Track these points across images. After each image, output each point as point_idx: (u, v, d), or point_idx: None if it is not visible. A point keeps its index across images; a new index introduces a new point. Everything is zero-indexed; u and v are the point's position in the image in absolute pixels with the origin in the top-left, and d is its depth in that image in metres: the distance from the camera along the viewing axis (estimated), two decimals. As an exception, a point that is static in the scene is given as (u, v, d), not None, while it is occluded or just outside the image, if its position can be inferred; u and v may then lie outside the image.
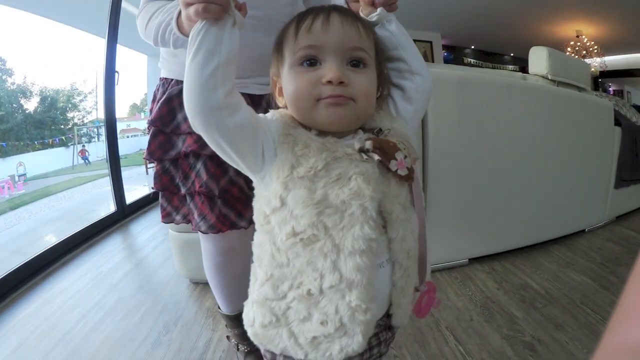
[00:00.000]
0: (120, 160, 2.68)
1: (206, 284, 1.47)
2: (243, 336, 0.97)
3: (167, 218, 0.88)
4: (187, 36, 0.47)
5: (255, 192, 0.51)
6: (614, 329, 0.26)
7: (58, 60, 5.65)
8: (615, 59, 6.26)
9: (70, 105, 5.92)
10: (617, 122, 2.40)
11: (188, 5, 0.44)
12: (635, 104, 6.28)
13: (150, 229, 2.37)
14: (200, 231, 0.81)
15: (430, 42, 6.13)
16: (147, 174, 5.46)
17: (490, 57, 7.65)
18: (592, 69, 5.81)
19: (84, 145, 6.09)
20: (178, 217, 0.87)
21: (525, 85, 1.83)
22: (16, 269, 1.62)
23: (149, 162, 0.87)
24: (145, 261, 1.84)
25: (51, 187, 5.23)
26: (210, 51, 0.43)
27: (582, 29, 5.28)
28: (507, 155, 1.70)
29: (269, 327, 0.48)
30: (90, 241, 2.10)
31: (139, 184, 4.82)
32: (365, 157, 0.46)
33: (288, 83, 0.49)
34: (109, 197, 2.60)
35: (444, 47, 6.74)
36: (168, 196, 0.86)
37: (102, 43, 2.49)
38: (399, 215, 0.48)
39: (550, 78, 2.15)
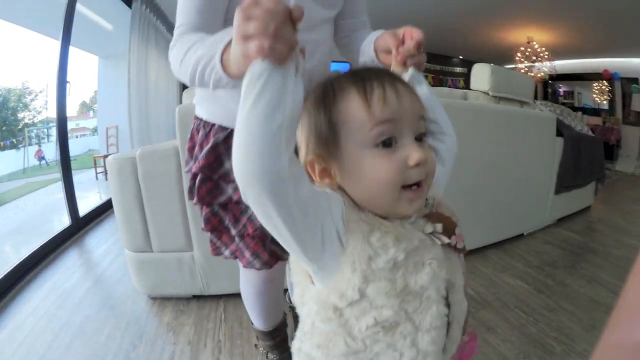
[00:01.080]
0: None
1: (163, 298, 1.65)
2: (273, 347, 1.14)
3: (216, 251, 0.93)
4: (233, 78, 0.47)
5: (299, 279, 0.50)
6: (612, 329, 0.28)
7: (7, 59, 5.48)
8: (565, 63, 6.80)
9: (21, 105, 5.84)
10: (560, 133, 2.68)
11: (247, 39, 0.38)
12: (586, 104, 6.87)
13: (104, 242, 2.49)
14: (255, 268, 0.88)
15: None
16: (97, 179, 5.50)
17: (438, 59, 8.04)
18: (542, 74, 6.29)
19: (40, 146, 6.01)
20: (227, 253, 0.92)
21: (466, 105, 2.09)
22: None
23: (198, 206, 0.88)
24: (104, 277, 1.96)
25: (5, 194, 5.16)
26: (275, 100, 0.37)
27: (533, 36, 5.68)
28: (459, 170, 1.95)
29: None
30: (49, 257, 2.18)
31: (89, 190, 4.84)
32: (436, 240, 0.47)
33: (363, 169, 0.45)
34: (62, 206, 2.68)
35: None
36: (217, 233, 0.91)
37: (49, 42, 2.57)
38: (459, 283, 0.50)
39: (490, 94, 2.35)
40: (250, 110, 0.36)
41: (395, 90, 0.45)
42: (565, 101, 7.49)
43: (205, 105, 0.85)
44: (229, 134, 0.80)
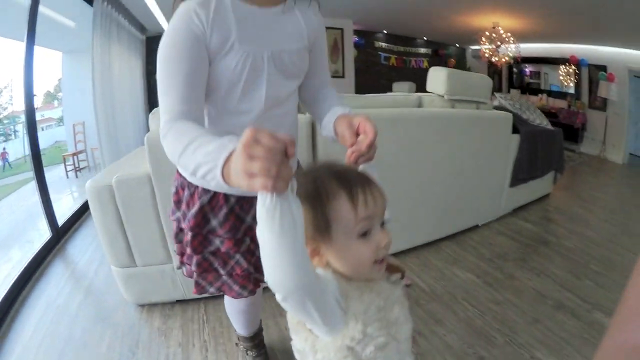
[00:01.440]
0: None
1: (150, 305, 1.84)
2: (252, 346, 1.44)
3: (200, 290, 1.06)
4: (232, 185, 0.55)
5: (305, 335, 0.64)
6: (614, 330, 0.29)
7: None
8: (532, 47, 7.01)
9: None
10: (517, 130, 2.89)
11: (252, 176, 0.46)
12: (552, 85, 7.15)
13: (85, 251, 2.60)
14: (243, 297, 1.05)
15: (342, 30, 6.58)
16: (67, 177, 5.50)
17: (402, 40, 8.19)
18: (507, 58, 6.52)
19: (4, 148, 5.93)
20: (212, 290, 1.06)
21: (420, 114, 2.28)
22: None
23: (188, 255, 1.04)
24: (92, 288, 2.09)
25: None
26: (291, 223, 0.48)
27: (499, 21, 5.83)
28: (404, 168, 2.14)
29: None
30: (37, 273, 2.27)
31: (62, 191, 4.86)
32: (397, 285, 0.69)
33: (350, 253, 0.61)
34: (38, 212, 2.73)
35: (355, 32, 7.18)
36: (204, 275, 1.04)
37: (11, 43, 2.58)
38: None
39: (446, 98, 2.45)
40: (278, 239, 0.48)
41: (372, 194, 0.61)
42: (531, 81, 7.74)
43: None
44: (212, 197, 0.95)
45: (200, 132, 0.68)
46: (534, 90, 7.67)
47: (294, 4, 0.91)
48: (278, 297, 0.52)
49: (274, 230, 0.48)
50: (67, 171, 5.45)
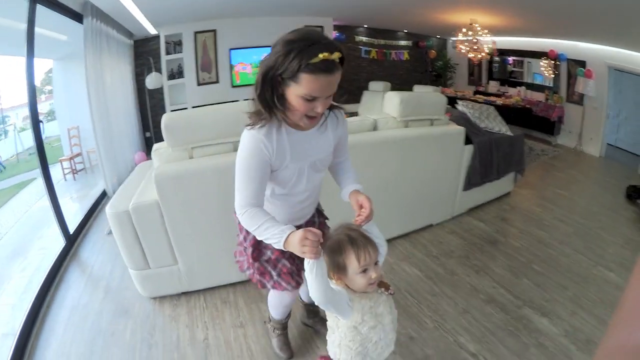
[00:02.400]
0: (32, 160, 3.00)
1: (161, 297, 2.44)
2: (279, 327, 2.01)
3: (262, 286, 1.63)
4: (288, 250, 1.17)
5: (333, 318, 1.31)
6: (613, 331, 0.32)
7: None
8: (512, 40, 7.54)
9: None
10: (470, 140, 3.40)
11: (303, 253, 1.09)
12: (535, 74, 7.59)
13: (97, 255, 3.05)
14: (288, 290, 1.62)
15: (322, 27, 7.02)
16: (65, 179, 5.84)
17: (382, 33, 8.67)
18: (485, 52, 7.05)
19: None
20: (269, 285, 1.62)
21: (375, 137, 2.80)
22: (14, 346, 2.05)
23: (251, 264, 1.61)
24: (110, 287, 2.61)
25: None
26: (322, 274, 1.11)
27: (476, 18, 6.28)
28: (364, 179, 2.69)
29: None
30: (56, 280, 2.67)
31: (62, 196, 5.03)
32: (384, 293, 1.30)
33: (355, 281, 1.21)
34: (45, 218, 3.12)
35: (336, 27, 7.67)
36: (263, 276, 1.60)
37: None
38: (392, 305, 1.35)
39: (398, 119, 2.95)
40: (316, 281, 1.11)
41: (369, 253, 1.19)
42: (514, 69, 8.21)
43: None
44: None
45: (267, 217, 1.27)
46: (514, 83, 8.14)
47: (326, 126, 1.41)
48: (317, 303, 1.16)
49: (313, 275, 1.11)
50: (64, 174, 5.86)
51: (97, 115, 4.28)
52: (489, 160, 3.59)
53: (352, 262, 1.20)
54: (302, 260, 1.53)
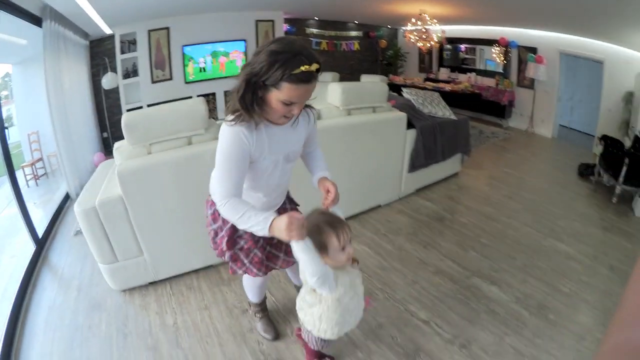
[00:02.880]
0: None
1: (130, 289, 2.62)
2: (260, 310, 2.24)
3: (233, 272, 1.78)
4: (273, 236, 1.30)
5: (315, 294, 1.52)
6: (615, 331, 0.33)
7: None
8: (463, 28, 7.94)
9: None
10: (413, 125, 3.67)
11: (290, 237, 1.25)
12: (488, 61, 8.02)
13: (66, 255, 3.16)
14: (259, 277, 1.81)
15: (272, 21, 7.33)
16: (28, 186, 5.65)
17: (333, 25, 9.02)
18: (434, 41, 7.42)
19: None
20: (240, 272, 1.78)
21: (320, 126, 3.02)
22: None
23: (226, 254, 1.75)
24: (82, 285, 2.72)
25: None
26: (313, 253, 1.32)
27: (426, 8, 6.60)
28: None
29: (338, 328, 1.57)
30: (30, 285, 2.73)
31: (27, 202, 5.15)
32: (356, 267, 1.60)
33: (335, 259, 1.40)
34: (11, 225, 3.15)
35: (287, 20, 7.92)
36: (235, 263, 1.76)
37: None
38: (359, 274, 1.62)
39: (341, 109, 3.24)
40: (310, 259, 1.32)
41: (345, 233, 1.41)
42: (466, 56, 8.65)
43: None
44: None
45: (248, 206, 1.40)
46: (467, 70, 8.58)
47: (299, 122, 1.57)
48: (313, 279, 1.35)
49: (306, 255, 1.31)
50: (27, 180, 5.76)
51: (58, 118, 4.34)
52: (432, 143, 3.88)
53: (333, 242, 1.40)
54: (273, 248, 1.82)
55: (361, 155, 3.36)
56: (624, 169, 3.98)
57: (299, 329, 1.98)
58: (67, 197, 4.54)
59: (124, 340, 2.23)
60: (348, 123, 3.21)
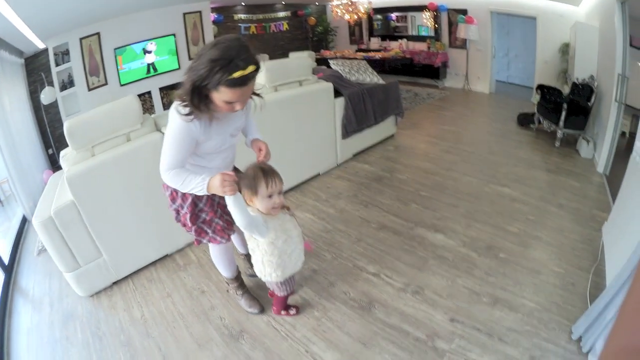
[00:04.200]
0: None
1: (97, 293, 2.70)
2: (238, 286, 2.38)
3: (199, 243, 2.01)
4: (210, 193, 1.58)
5: (254, 241, 1.82)
6: (617, 333, 0.40)
7: None
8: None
9: None
10: (341, 94, 3.84)
11: (224, 192, 1.52)
12: (420, 26, 8.27)
13: (33, 275, 3.14)
14: (223, 243, 2.05)
15: (200, 12, 7.34)
16: None
17: (260, 8, 9.17)
18: (362, 11, 7.65)
19: None
20: (204, 241, 2.00)
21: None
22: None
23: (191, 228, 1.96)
24: (52, 301, 2.73)
25: None
26: (242, 206, 1.59)
27: None
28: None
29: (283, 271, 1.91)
30: (7, 310, 2.72)
31: None
32: (287, 213, 1.85)
33: (263, 204, 1.68)
34: None
35: (214, 9, 7.95)
36: (200, 234, 1.98)
37: None
38: (293, 221, 1.91)
39: (267, 86, 3.41)
40: (238, 211, 1.58)
41: (275, 183, 1.68)
42: (398, 24, 8.91)
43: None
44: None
45: (188, 173, 1.64)
46: (399, 37, 8.83)
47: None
48: (242, 228, 1.65)
49: (236, 208, 1.57)
50: None
51: (4, 143, 4.30)
52: (362, 109, 4.07)
53: (262, 188, 1.66)
54: (230, 217, 2.02)
55: (293, 128, 3.53)
56: (563, 113, 4.31)
57: (269, 290, 2.31)
58: (24, 220, 4.54)
59: (100, 343, 2.31)
60: (276, 99, 3.37)
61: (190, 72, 1.46)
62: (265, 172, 1.69)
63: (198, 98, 1.49)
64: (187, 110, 1.53)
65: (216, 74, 1.38)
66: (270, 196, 1.70)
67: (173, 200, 1.92)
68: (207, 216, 1.95)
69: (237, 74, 1.38)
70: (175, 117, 1.56)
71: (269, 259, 1.82)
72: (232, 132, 1.80)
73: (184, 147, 1.64)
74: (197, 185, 1.61)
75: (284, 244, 1.80)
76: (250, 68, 1.41)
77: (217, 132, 1.70)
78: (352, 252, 2.75)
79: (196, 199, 1.90)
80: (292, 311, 2.30)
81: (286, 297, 2.20)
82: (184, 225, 1.99)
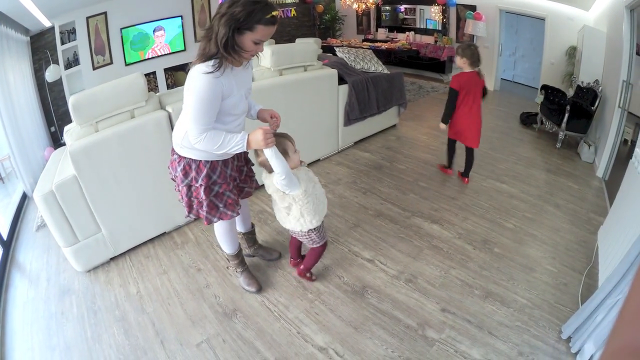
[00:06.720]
0: None
1: (94, 268, 2.73)
2: (238, 264, 2.40)
3: (209, 222, 2.02)
4: (251, 148, 1.75)
5: (279, 194, 1.96)
6: (618, 332, 0.33)
7: None
8: None
9: None
10: (345, 81, 3.83)
11: (266, 145, 1.71)
12: (428, 20, 8.20)
13: (31, 250, 3.14)
14: (233, 217, 2.06)
15: None
16: None
17: None
18: (368, 4, 7.58)
19: None
20: (215, 220, 2.02)
21: (255, 87, 3.17)
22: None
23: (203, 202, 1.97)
24: (50, 276, 2.75)
25: None
26: (281, 156, 1.79)
27: None
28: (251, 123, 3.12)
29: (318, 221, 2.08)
30: (3, 284, 2.73)
31: None
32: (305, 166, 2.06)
33: (292, 160, 1.91)
34: None
35: None
36: (210, 211, 2.00)
37: None
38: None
39: (272, 70, 3.41)
40: (278, 161, 1.78)
41: (293, 144, 1.95)
42: (406, 17, 8.83)
43: (191, 152, 1.86)
44: (211, 164, 1.90)
45: (224, 133, 1.72)
46: (404, 29, 8.77)
47: (247, 64, 1.86)
48: (282, 177, 1.81)
49: (276, 157, 1.77)
50: None
51: (7, 120, 4.32)
52: (366, 97, 4.06)
53: (290, 146, 1.92)
54: (241, 182, 2.20)
55: (296, 112, 3.53)
56: (566, 115, 4.30)
57: (292, 260, 2.51)
58: (24, 197, 4.57)
59: (95, 317, 2.33)
60: (280, 82, 3.38)
61: (224, 18, 1.56)
62: (284, 135, 1.94)
63: (230, 40, 1.59)
64: (213, 67, 1.61)
65: (257, 13, 1.55)
66: (296, 151, 1.94)
67: (185, 174, 1.93)
68: (220, 188, 1.99)
69: (275, 12, 1.60)
70: (201, 78, 1.61)
71: (307, 207, 1.99)
72: (245, 92, 1.88)
73: (214, 105, 1.68)
74: (238, 143, 1.73)
75: (314, 189, 2.00)
76: (277, 12, 1.62)
77: (237, 86, 1.76)
78: (349, 237, 2.78)
79: (210, 171, 1.93)
80: (314, 277, 2.41)
81: (324, 248, 2.27)
82: (190, 205, 2.02)
